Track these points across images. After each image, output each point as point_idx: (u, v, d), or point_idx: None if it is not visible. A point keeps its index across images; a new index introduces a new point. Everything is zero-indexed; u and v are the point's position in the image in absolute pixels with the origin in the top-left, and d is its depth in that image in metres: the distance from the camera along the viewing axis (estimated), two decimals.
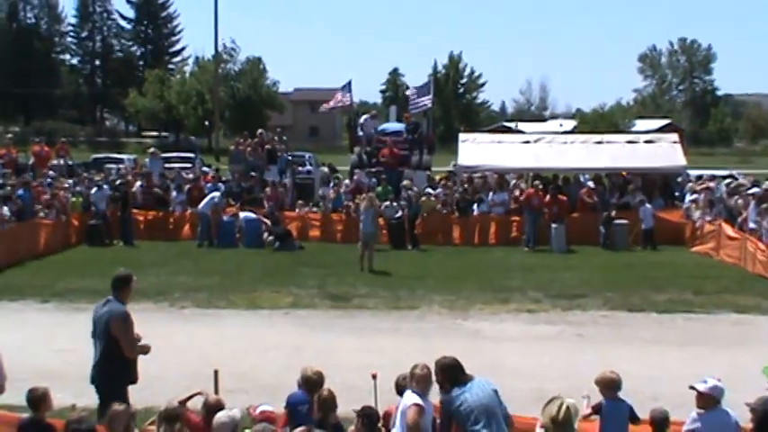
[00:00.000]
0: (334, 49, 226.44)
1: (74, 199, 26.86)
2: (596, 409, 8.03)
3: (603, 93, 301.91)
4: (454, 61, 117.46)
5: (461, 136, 31.62)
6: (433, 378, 7.50)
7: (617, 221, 25.70)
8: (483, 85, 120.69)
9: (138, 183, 28.81)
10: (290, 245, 25.13)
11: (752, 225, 22.26)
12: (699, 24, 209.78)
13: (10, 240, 22.31)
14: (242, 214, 26.19)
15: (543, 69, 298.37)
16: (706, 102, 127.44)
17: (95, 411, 8.69)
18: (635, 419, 7.99)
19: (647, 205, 25.96)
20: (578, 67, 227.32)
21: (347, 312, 17.03)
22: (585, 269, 22.01)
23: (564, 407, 6.63)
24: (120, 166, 37.97)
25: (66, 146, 36.65)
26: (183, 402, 8.08)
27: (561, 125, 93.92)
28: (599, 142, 30.24)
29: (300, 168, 35.24)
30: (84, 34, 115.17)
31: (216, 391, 8.66)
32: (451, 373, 7.43)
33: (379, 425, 7.74)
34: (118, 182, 28.27)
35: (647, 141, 30.37)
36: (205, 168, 36.26)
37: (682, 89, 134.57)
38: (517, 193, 27.47)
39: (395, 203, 25.85)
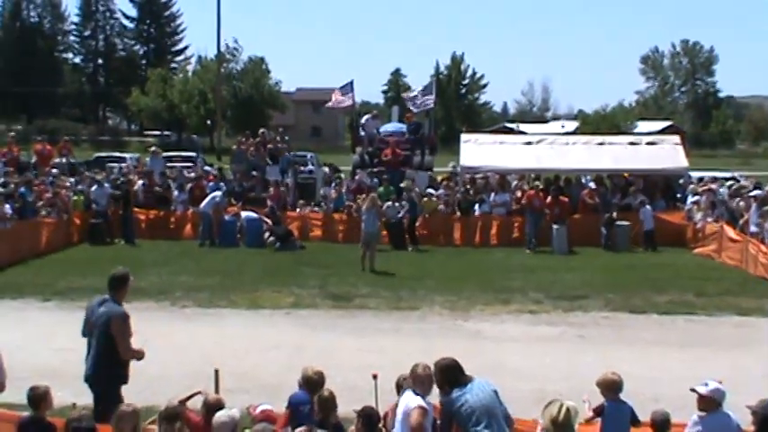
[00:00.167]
0: (337, 49, 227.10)
1: (75, 198, 26.87)
2: (598, 412, 8.02)
3: (605, 94, 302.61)
4: (456, 62, 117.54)
5: (463, 137, 31.61)
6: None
7: (618, 223, 25.70)
8: (485, 86, 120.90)
9: (140, 181, 28.83)
10: (291, 245, 25.14)
11: (753, 228, 22.25)
12: (701, 26, 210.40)
13: (12, 239, 22.33)
14: (243, 214, 26.18)
15: (545, 70, 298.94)
16: (708, 104, 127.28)
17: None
18: (636, 421, 7.98)
19: (647, 207, 25.96)
20: (580, 68, 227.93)
21: (348, 312, 17.03)
22: (587, 270, 22.01)
23: (564, 408, 6.63)
24: (123, 164, 38.03)
25: (69, 144, 36.71)
26: (183, 402, 8.07)
27: (563, 126, 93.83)
28: (601, 143, 30.24)
29: (302, 168, 35.24)
30: (86, 33, 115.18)
31: (216, 391, 8.65)
32: (451, 375, 7.41)
33: (380, 425, 7.72)
34: (119, 181, 28.25)
35: (648, 143, 30.34)
36: (207, 168, 36.30)
37: (684, 91, 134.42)
38: (519, 194, 27.46)
39: (396, 204, 25.85)
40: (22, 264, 21.83)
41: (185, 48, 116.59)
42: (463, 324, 16.16)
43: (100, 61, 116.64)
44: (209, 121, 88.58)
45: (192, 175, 30.67)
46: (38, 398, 7.72)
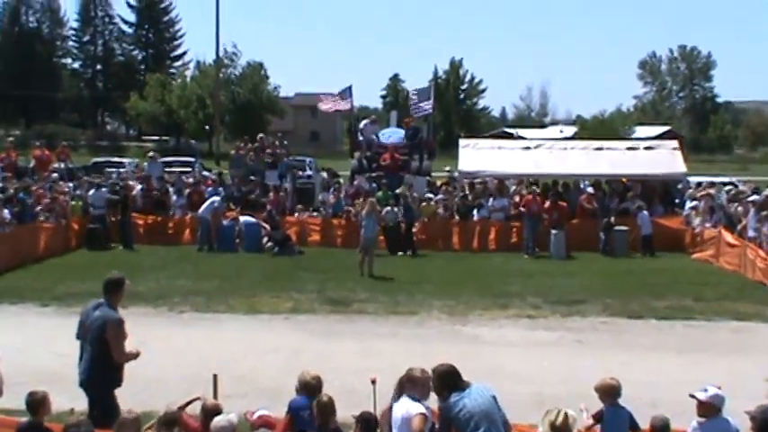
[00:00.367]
0: (335, 54, 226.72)
1: (74, 203, 26.86)
2: (597, 418, 8.01)
3: (604, 99, 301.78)
4: (455, 67, 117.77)
5: (462, 142, 31.67)
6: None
7: (617, 228, 25.70)
8: (483, 90, 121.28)
9: (139, 186, 28.84)
10: (290, 250, 25.13)
11: (751, 232, 22.28)
12: (699, 31, 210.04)
13: (11, 243, 22.33)
14: (242, 219, 26.18)
15: (544, 75, 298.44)
16: (706, 109, 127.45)
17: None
18: (635, 426, 7.97)
19: (645, 212, 25.97)
20: (578, 73, 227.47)
21: (347, 317, 17.02)
22: (585, 275, 22.01)
23: (563, 414, 6.66)
24: (121, 170, 38.03)
25: (67, 149, 36.74)
26: (182, 408, 8.07)
27: (561, 131, 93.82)
28: (599, 149, 30.23)
29: (301, 173, 35.24)
30: (85, 38, 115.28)
31: (215, 396, 8.64)
32: (449, 380, 7.40)
33: (378, 431, 7.71)
34: (118, 186, 28.23)
35: (646, 148, 30.36)
36: (205, 173, 36.30)
37: (682, 96, 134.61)
38: (517, 198, 27.47)
39: (395, 208, 25.85)
40: (21, 268, 21.82)
41: (184, 53, 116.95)
42: (461, 329, 16.15)
43: (98, 66, 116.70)
44: (207, 127, 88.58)
45: (191, 180, 30.66)
46: (36, 403, 7.71)
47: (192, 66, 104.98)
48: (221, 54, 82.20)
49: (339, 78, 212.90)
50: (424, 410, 7.23)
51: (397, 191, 26.85)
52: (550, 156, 29.67)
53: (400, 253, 25.14)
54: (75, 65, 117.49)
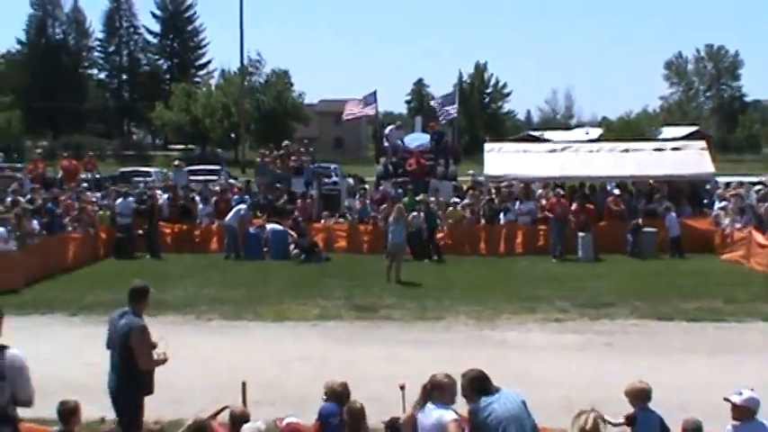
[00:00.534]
0: (360, 60, 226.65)
1: (101, 212, 27.03)
2: (630, 419, 7.93)
3: (629, 100, 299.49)
4: (479, 71, 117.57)
5: (487, 146, 31.59)
6: (458, 390, 7.43)
7: (645, 229, 25.55)
8: (508, 94, 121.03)
9: (165, 195, 28.98)
10: (317, 257, 25.16)
11: None
12: (726, 30, 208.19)
13: (40, 254, 22.47)
14: (268, 226, 26.23)
15: (568, 78, 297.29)
16: (734, 108, 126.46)
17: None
18: (666, 430, 7.90)
19: (672, 213, 25.79)
20: (604, 75, 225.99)
21: (374, 324, 17.01)
22: (613, 278, 21.89)
23: (592, 418, 6.61)
24: (148, 179, 38.25)
25: (94, 159, 37.01)
26: (212, 417, 8.08)
27: (587, 133, 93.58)
28: (625, 150, 30.05)
29: (326, 180, 35.30)
30: (111, 49, 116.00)
31: (244, 403, 8.65)
32: (479, 385, 7.36)
33: None
34: (144, 195, 28.37)
35: (674, 149, 30.15)
36: (231, 180, 36.45)
37: (709, 96, 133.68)
38: (544, 202, 27.35)
39: (421, 214, 25.84)
40: (50, 278, 21.97)
41: (208, 62, 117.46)
42: (489, 333, 16.11)
43: (124, 76, 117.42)
44: (232, 135, 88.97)
45: (217, 188, 30.78)
46: (68, 412, 7.76)
47: (216, 74, 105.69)
48: (246, 62, 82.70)
49: (364, 84, 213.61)
50: (457, 417, 7.19)
51: (418, 198, 26.74)
52: (576, 158, 29.57)
53: (426, 260, 25.04)
54: (101, 75, 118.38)
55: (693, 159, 28.80)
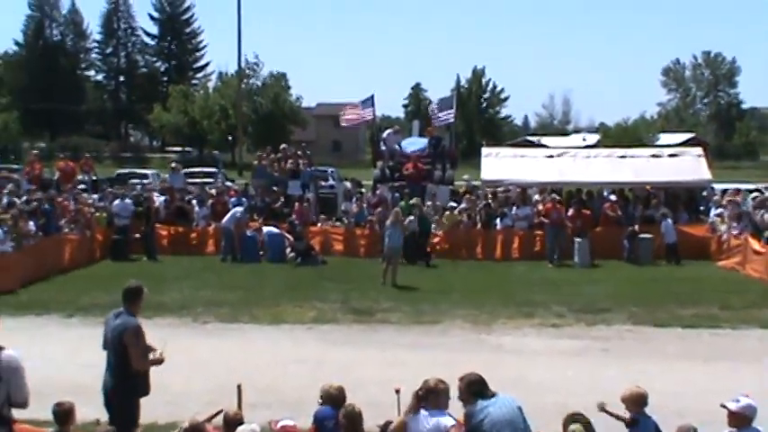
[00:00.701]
0: (358, 64, 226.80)
1: (98, 214, 27.00)
2: (631, 422, 7.93)
3: (627, 107, 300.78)
4: (477, 75, 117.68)
5: (484, 150, 31.60)
6: (452, 393, 7.42)
7: (641, 236, 25.57)
8: (506, 99, 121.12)
9: (162, 197, 28.97)
10: (313, 260, 25.15)
11: None
12: (723, 37, 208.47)
13: (36, 255, 22.45)
14: (265, 229, 26.22)
15: (566, 83, 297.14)
16: (731, 115, 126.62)
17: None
18: None
19: (668, 220, 25.81)
20: (601, 80, 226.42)
21: (370, 327, 17.01)
22: (610, 284, 21.90)
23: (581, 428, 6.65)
24: (144, 181, 38.22)
25: (90, 161, 36.97)
26: (207, 421, 8.08)
27: (584, 139, 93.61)
28: (622, 156, 30.12)
29: (323, 183, 35.29)
30: (108, 50, 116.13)
31: (239, 406, 8.65)
32: (476, 388, 7.36)
33: None
34: (141, 197, 28.35)
35: (671, 155, 30.21)
36: (228, 183, 36.44)
37: (706, 102, 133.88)
38: (540, 207, 27.36)
39: (414, 218, 25.82)
40: (46, 280, 21.94)
41: (206, 64, 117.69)
42: (485, 338, 16.10)
43: (122, 78, 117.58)
44: (230, 137, 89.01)
45: (214, 191, 30.76)
46: (63, 414, 7.76)
47: (214, 77, 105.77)
48: (243, 65, 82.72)
49: (361, 88, 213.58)
50: (455, 422, 7.18)
51: (411, 201, 26.67)
52: (573, 164, 29.61)
53: (418, 263, 24.97)
54: (99, 77, 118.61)
55: (690, 166, 28.83)
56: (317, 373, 12.18)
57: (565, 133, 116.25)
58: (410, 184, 29.78)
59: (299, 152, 33.45)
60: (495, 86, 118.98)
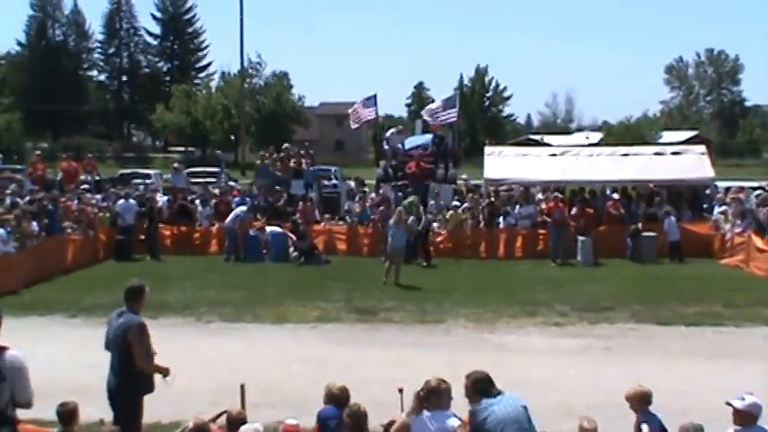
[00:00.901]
0: (360, 63, 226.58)
1: (101, 214, 27.01)
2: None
3: (630, 105, 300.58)
4: (480, 74, 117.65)
5: (487, 149, 31.58)
6: (453, 393, 7.41)
7: (644, 234, 25.55)
8: (509, 98, 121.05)
9: (165, 197, 28.97)
10: (316, 259, 25.15)
11: None
12: (726, 35, 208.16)
13: (38, 255, 22.45)
14: (268, 229, 26.22)
15: (569, 82, 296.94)
16: (734, 113, 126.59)
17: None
18: None
19: (672, 218, 25.78)
20: (604, 79, 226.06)
21: (373, 326, 17.01)
22: (613, 282, 21.87)
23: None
24: (147, 181, 38.23)
25: (93, 161, 36.97)
26: (211, 421, 8.08)
27: (587, 137, 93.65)
28: (625, 154, 30.08)
29: (326, 182, 35.28)
30: (111, 51, 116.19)
31: (243, 405, 8.65)
32: (482, 387, 7.36)
33: None
34: (144, 197, 28.35)
35: (674, 153, 30.18)
36: (231, 183, 36.44)
37: (709, 100, 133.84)
38: (543, 206, 27.34)
39: (429, 216, 25.78)
40: (49, 280, 21.96)
41: (209, 64, 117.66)
42: (488, 337, 16.10)
43: (124, 78, 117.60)
44: (232, 137, 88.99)
45: (217, 191, 30.77)
46: (67, 414, 7.76)
47: (216, 76, 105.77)
48: (246, 64, 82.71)
49: (364, 87, 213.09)
50: (459, 422, 7.18)
51: (408, 200, 26.53)
52: (576, 162, 29.57)
53: (416, 262, 24.91)
54: (101, 77, 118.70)
55: (693, 164, 28.78)
56: (320, 373, 12.17)
57: (568, 132, 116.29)
58: (413, 183, 29.75)
59: (301, 151, 33.45)
60: (497, 85, 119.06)
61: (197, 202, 29.10)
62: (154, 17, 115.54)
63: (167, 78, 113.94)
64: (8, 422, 7.20)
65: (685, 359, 14.31)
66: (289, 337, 16.15)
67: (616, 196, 28.49)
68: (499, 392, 7.36)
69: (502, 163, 29.73)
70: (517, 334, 16.28)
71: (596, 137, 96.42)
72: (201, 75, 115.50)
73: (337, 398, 8.07)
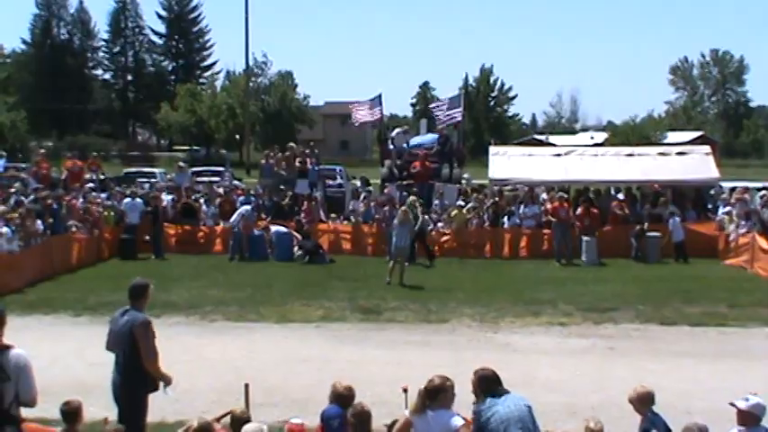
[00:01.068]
0: (365, 62, 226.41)
1: (105, 213, 27.02)
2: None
3: (635, 105, 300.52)
4: (485, 74, 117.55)
5: (492, 149, 31.60)
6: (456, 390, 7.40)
7: (649, 234, 25.53)
8: (513, 98, 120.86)
9: (170, 196, 28.98)
10: (321, 258, 25.15)
11: None
12: (731, 36, 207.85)
13: (43, 254, 22.48)
14: (273, 228, 26.23)
15: (574, 82, 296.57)
16: (739, 113, 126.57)
17: None
18: None
19: (676, 218, 25.77)
20: (609, 79, 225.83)
21: (377, 325, 16.99)
22: (617, 282, 21.85)
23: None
24: (153, 180, 38.24)
25: (97, 160, 36.96)
26: (216, 420, 8.08)
27: (592, 138, 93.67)
28: (630, 155, 30.09)
29: (331, 182, 35.28)
30: (116, 49, 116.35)
31: (247, 405, 8.65)
32: (488, 384, 7.36)
33: None
34: (149, 196, 28.37)
35: (678, 153, 30.17)
36: (236, 182, 36.47)
37: (714, 101, 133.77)
38: (549, 206, 27.32)
39: (426, 216, 25.77)
40: (54, 279, 21.98)
41: (214, 63, 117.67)
42: (493, 336, 16.08)
43: (129, 77, 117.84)
44: (237, 136, 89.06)
45: (221, 190, 30.79)
46: (71, 412, 7.76)
47: (221, 76, 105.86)
48: (251, 63, 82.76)
49: (369, 87, 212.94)
50: (462, 421, 7.16)
51: (409, 199, 26.47)
52: (581, 162, 29.57)
53: (427, 262, 24.94)
54: (106, 76, 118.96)
55: (698, 164, 28.76)
56: (324, 373, 12.17)
57: (572, 132, 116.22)
58: (418, 182, 29.75)
59: (306, 151, 33.46)
60: (502, 85, 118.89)
61: (201, 201, 29.11)
62: (159, 16, 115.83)
63: (172, 77, 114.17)
64: (12, 421, 7.21)
65: (689, 359, 14.29)
66: (293, 336, 16.13)
67: (621, 196, 28.48)
68: (505, 392, 7.35)
69: (507, 163, 29.73)
70: (521, 334, 16.26)
71: (601, 137, 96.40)
72: (206, 74, 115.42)
73: (343, 397, 8.07)
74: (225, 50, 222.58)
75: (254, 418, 7.97)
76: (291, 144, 34.78)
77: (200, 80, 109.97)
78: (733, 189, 29.58)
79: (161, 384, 8.88)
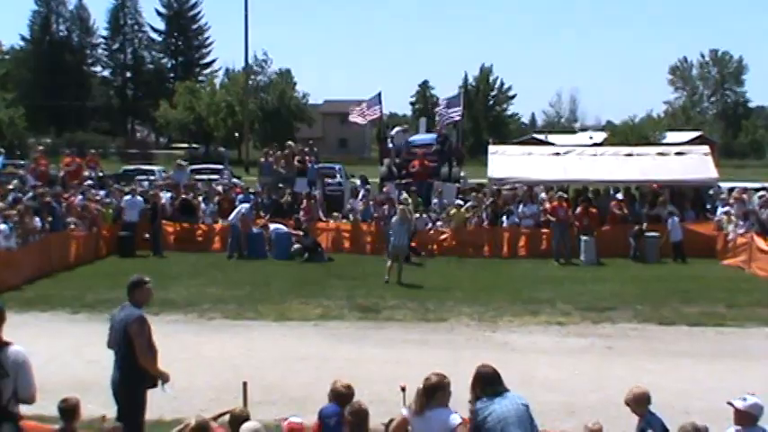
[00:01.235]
0: (365, 61, 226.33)
1: (104, 210, 26.99)
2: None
3: (634, 105, 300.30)
4: (485, 73, 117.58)
5: (491, 148, 31.58)
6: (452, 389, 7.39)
7: (648, 234, 25.54)
8: (513, 97, 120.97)
9: (169, 194, 28.96)
10: (319, 257, 25.15)
11: None
12: (730, 36, 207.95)
13: (42, 251, 22.46)
14: (271, 226, 26.23)
15: (573, 81, 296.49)
16: (738, 113, 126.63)
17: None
18: None
19: (675, 218, 25.78)
20: (608, 79, 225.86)
21: (376, 324, 16.98)
22: (616, 282, 21.86)
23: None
24: (151, 177, 38.20)
25: (96, 158, 36.91)
26: (214, 419, 8.08)
27: (591, 137, 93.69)
28: (629, 154, 30.10)
29: (330, 180, 35.26)
30: (115, 47, 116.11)
31: (245, 403, 8.65)
32: (484, 383, 7.33)
33: None
34: (148, 193, 28.36)
35: (677, 153, 30.19)
36: (235, 180, 36.45)
37: (713, 101, 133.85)
38: (547, 205, 27.33)
39: (425, 215, 25.76)
40: (52, 276, 21.97)
41: (213, 61, 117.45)
42: (491, 335, 16.08)
43: (128, 74, 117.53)
44: (236, 134, 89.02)
45: (220, 188, 30.77)
46: (69, 410, 7.75)
47: (221, 73, 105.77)
48: (251, 61, 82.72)
49: (368, 85, 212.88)
50: (460, 420, 7.16)
51: (402, 197, 26.48)
52: (580, 162, 29.58)
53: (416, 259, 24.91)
54: (105, 73, 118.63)
55: (697, 164, 28.78)
56: (322, 371, 12.18)
57: (572, 131, 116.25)
58: (416, 181, 29.74)
59: (305, 149, 33.45)
60: (502, 84, 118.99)
61: (200, 198, 29.09)
62: (158, 13, 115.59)
63: (171, 75, 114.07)
64: (11, 417, 7.20)
65: (687, 359, 14.29)
66: (291, 334, 16.12)
67: (620, 196, 28.50)
68: (505, 390, 7.34)
69: (506, 162, 29.72)
70: (520, 333, 16.26)
71: (600, 137, 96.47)
72: (206, 71, 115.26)
73: (343, 396, 8.05)
74: (224, 48, 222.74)
75: (252, 415, 7.96)
76: (290, 142, 34.82)
77: (200, 78, 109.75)
78: (731, 189, 29.59)
79: (159, 382, 8.88)
